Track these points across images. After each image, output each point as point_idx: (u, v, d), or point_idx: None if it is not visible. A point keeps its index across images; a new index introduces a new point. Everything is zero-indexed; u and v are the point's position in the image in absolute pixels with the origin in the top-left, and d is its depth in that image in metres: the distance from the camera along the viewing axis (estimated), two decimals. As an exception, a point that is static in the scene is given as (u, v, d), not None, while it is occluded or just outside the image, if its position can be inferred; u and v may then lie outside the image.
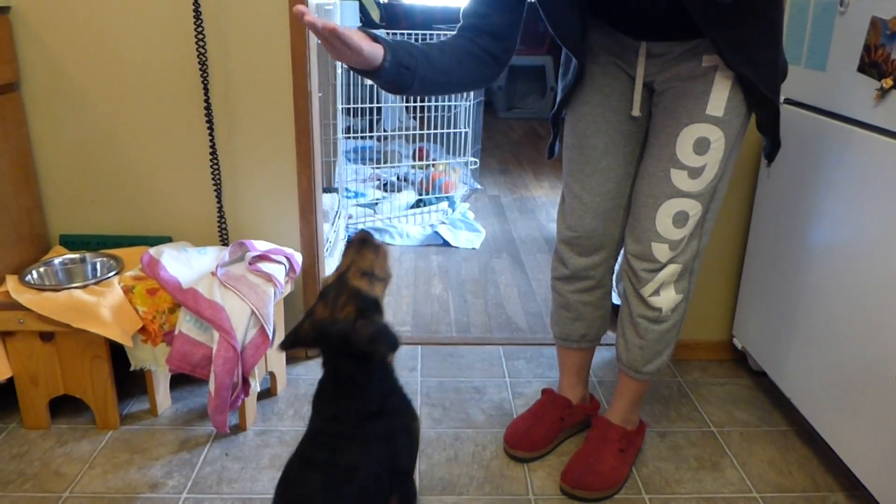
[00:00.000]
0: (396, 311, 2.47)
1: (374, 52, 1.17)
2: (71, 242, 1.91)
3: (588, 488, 1.54)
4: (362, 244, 1.23)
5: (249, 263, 1.72)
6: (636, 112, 1.46)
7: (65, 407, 1.77)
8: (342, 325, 1.14)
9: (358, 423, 1.15)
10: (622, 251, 1.59)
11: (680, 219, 1.42)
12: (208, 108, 1.81)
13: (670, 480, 1.62)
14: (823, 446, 1.69)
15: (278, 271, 1.73)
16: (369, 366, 1.17)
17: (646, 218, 1.45)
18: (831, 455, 1.66)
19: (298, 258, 1.86)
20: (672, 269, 1.47)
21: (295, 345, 1.21)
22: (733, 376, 2.08)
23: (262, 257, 1.76)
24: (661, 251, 1.45)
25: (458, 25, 1.39)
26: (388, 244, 3.13)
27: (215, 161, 1.85)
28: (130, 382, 1.86)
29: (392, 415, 1.20)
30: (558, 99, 1.55)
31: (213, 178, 1.87)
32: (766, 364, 1.90)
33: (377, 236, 1.26)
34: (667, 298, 1.50)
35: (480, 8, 1.37)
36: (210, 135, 1.83)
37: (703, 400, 1.95)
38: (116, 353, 1.70)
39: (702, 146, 1.37)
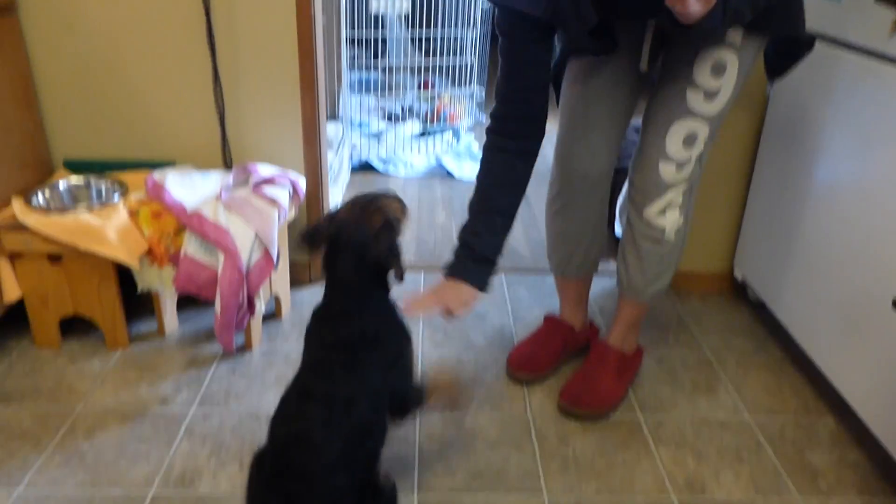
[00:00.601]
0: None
1: (476, 295, 1.42)
2: (75, 166, 1.91)
3: (585, 407, 1.58)
4: (391, 196, 1.27)
5: (254, 187, 1.73)
6: (644, 67, 1.47)
7: (75, 327, 1.81)
8: (366, 229, 1.16)
9: (356, 352, 1.14)
10: (627, 178, 1.59)
11: (689, 140, 1.43)
12: (210, 30, 1.79)
13: (665, 402, 1.67)
14: (817, 373, 1.72)
15: (282, 196, 1.74)
16: (374, 281, 1.18)
17: (656, 135, 1.46)
18: (824, 382, 1.70)
19: (302, 183, 1.86)
20: (677, 190, 1.49)
21: (314, 238, 1.20)
22: (732, 307, 2.10)
23: (267, 181, 1.76)
24: (668, 171, 1.46)
25: (490, 140, 1.45)
26: (392, 173, 3.13)
27: (218, 85, 1.84)
28: (138, 304, 1.90)
29: (387, 341, 1.19)
30: (558, 49, 1.54)
31: (215, 102, 1.86)
32: (765, 294, 1.92)
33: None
34: (671, 220, 1.51)
35: (513, 106, 1.42)
36: (212, 58, 1.81)
37: (702, 328, 1.98)
38: (124, 275, 1.72)
39: (719, 70, 1.38)
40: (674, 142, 1.44)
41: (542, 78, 1.41)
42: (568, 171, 1.59)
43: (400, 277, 1.20)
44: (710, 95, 1.40)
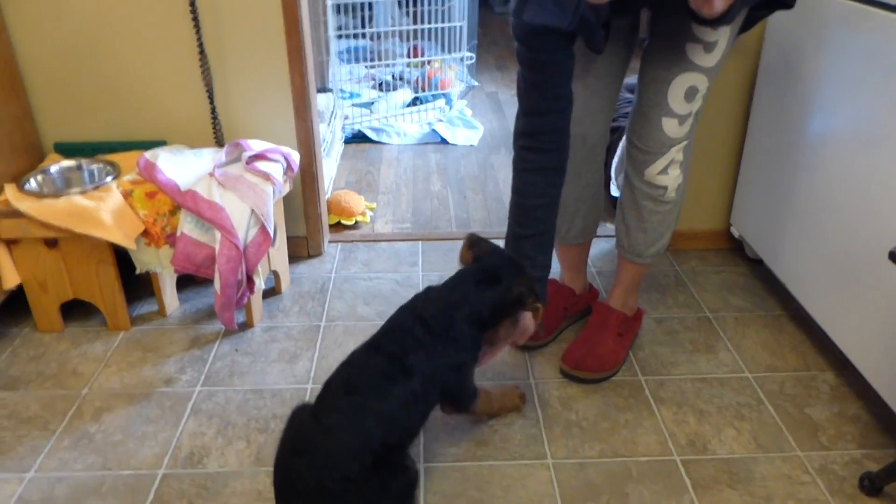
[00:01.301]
0: (396, 208, 2.48)
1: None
2: (65, 150, 1.90)
3: (587, 370, 1.60)
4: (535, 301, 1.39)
5: (247, 163, 1.71)
6: (643, 33, 1.46)
7: (76, 311, 1.82)
8: (517, 268, 1.37)
9: (435, 338, 1.27)
10: (624, 137, 1.59)
11: (690, 93, 1.43)
12: (193, 5, 1.76)
13: (666, 363, 1.68)
14: (815, 329, 1.74)
15: (276, 170, 1.73)
16: (489, 313, 1.32)
17: (657, 92, 1.45)
18: (823, 337, 1.72)
19: (296, 157, 1.85)
20: (679, 146, 1.49)
21: (477, 244, 1.41)
22: (729, 264, 2.11)
23: (259, 157, 1.75)
24: (670, 126, 1.46)
25: (525, 160, 1.43)
26: (385, 142, 3.11)
27: (204, 61, 1.82)
28: (138, 285, 1.90)
29: (458, 350, 1.30)
30: None
31: (203, 79, 1.84)
32: (763, 251, 1.92)
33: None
34: (673, 177, 1.52)
35: (547, 119, 1.39)
36: (197, 33, 1.79)
37: (700, 287, 1.99)
38: (122, 257, 1.72)
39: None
40: (676, 97, 1.44)
41: (569, 86, 1.38)
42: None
43: (535, 316, 1.38)
44: (709, 47, 1.39)
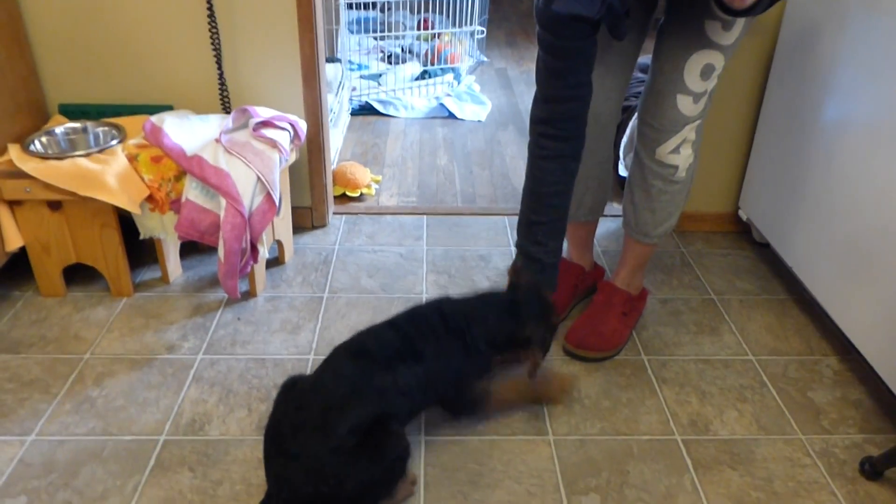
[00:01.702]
0: (402, 182, 2.46)
1: None
2: (70, 112, 1.88)
3: (590, 348, 1.59)
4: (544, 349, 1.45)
5: (253, 130, 1.70)
6: (659, 13, 1.44)
7: (79, 276, 1.81)
8: (543, 301, 1.41)
9: (450, 335, 1.29)
10: (634, 117, 1.57)
11: (707, 71, 1.42)
12: (203, -33, 1.73)
13: (669, 343, 1.68)
14: (820, 314, 1.73)
15: (283, 138, 1.71)
16: (502, 340, 1.35)
17: (673, 70, 1.43)
18: (827, 322, 1.71)
19: (303, 125, 1.83)
20: (692, 125, 1.48)
21: (522, 274, 1.46)
22: (736, 247, 2.09)
23: (266, 124, 1.73)
24: (685, 105, 1.44)
25: (542, 147, 1.41)
26: (393, 115, 3.09)
27: (214, 26, 1.79)
28: (141, 252, 1.89)
29: (470, 355, 1.32)
30: None
31: (212, 44, 1.82)
32: (770, 234, 1.91)
33: None
34: (685, 156, 1.51)
35: (567, 106, 1.38)
36: (206, -3, 1.76)
37: (705, 270, 1.98)
38: (126, 222, 1.71)
39: None
40: (692, 74, 1.42)
41: (590, 74, 1.36)
42: None
43: (543, 348, 1.40)
44: (728, 25, 1.37)
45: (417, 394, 1.26)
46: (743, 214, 2.07)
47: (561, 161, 1.41)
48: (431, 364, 1.26)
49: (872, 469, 1.31)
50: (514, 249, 2.03)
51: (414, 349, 1.25)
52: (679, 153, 1.50)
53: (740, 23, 1.38)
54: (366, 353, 1.25)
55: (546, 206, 1.44)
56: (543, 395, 1.48)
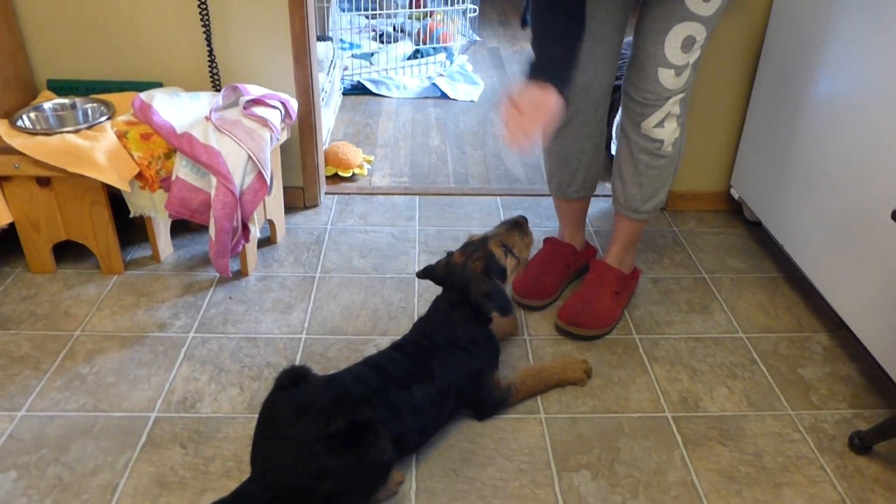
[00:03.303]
0: (394, 162, 2.45)
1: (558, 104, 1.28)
2: (59, 87, 1.86)
3: (582, 326, 1.59)
4: (515, 227, 1.48)
5: (244, 108, 1.68)
6: None
7: (69, 253, 1.80)
8: (468, 273, 1.36)
9: (441, 347, 1.33)
10: (622, 92, 1.56)
11: (688, 43, 1.41)
12: (192, -59, 1.71)
13: (661, 322, 1.68)
14: (811, 291, 1.74)
15: (274, 116, 1.70)
16: (472, 314, 1.36)
17: (654, 43, 1.43)
18: (818, 299, 1.72)
19: (294, 104, 1.82)
20: (675, 98, 1.47)
21: (428, 276, 1.44)
22: (728, 226, 2.10)
23: (257, 102, 1.72)
24: (667, 77, 1.44)
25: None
26: (385, 94, 3.06)
27: (203, 1, 1.77)
28: (132, 230, 1.88)
29: (473, 357, 1.34)
30: None
31: (202, 21, 1.80)
32: (762, 212, 1.91)
33: (524, 219, 1.52)
34: (669, 130, 1.50)
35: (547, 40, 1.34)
36: (196, -28, 1.74)
37: (697, 248, 1.98)
38: (116, 200, 1.70)
39: None
40: (672, 46, 1.41)
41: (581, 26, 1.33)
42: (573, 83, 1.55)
43: (503, 314, 1.35)
44: None
45: (432, 412, 1.29)
46: (735, 193, 2.07)
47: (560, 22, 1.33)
48: (442, 381, 1.29)
49: (861, 443, 1.32)
50: (506, 229, 2.03)
51: (425, 369, 1.29)
52: (664, 127, 1.50)
53: None
54: (385, 371, 1.27)
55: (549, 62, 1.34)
56: (567, 377, 1.48)
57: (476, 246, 1.40)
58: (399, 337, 1.39)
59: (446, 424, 1.36)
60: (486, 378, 1.37)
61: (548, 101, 1.27)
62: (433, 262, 1.47)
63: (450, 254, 1.42)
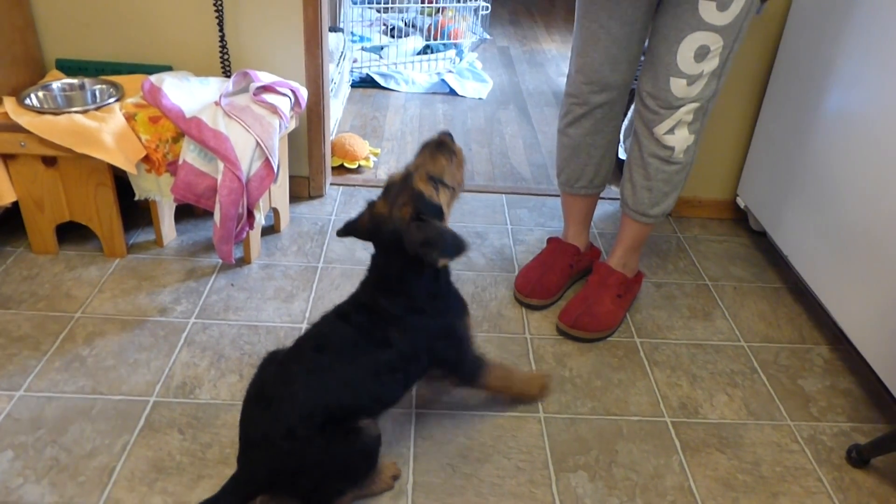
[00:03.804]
0: (400, 156, 2.45)
1: None
2: (68, 67, 1.85)
3: (584, 329, 1.59)
4: (438, 147, 1.19)
5: (254, 94, 1.67)
6: None
7: (72, 234, 1.79)
8: (396, 225, 1.13)
9: (402, 315, 1.17)
10: (635, 97, 1.55)
11: (701, 53, 1.40)
12: (208, -75, 1.70)
13: (662, 327, 1.68)
14: (814, 303, 1.74)
15: (283, 104, 1.69)
16: (419, 268, 1.15)
17: (666, 52, 1.42)
18: (820, 312, 1.71)
19: (304, 92, 1.81)
20: (689, 107, 1.46)
21: (351, 233, 1.23)
22: (733, 234, 2.10)
23: (267, 89, 1.71)
24: (678, 87, 1.43)
25: None
26: (393, 88, 3.05)
27: (216, -14, 1.76)
28: (136, 213, 1.87)
29: (436, 315, 1.20)
30: None
31: (214, 5, 1.79)
32: (767, 223, 1.91)
33: (452, 138, 1.24)
34: (680, 138, 1.49)
35: None
36: (210, -44, 1.73)
37: (701, 255, 1.98)
38: (121, 183, 1.69)
39: None
40: (684, 56, 1.40)
41: None
42: (588, 81, 1.54)
43: (453, 256, 1.14)
44: (722, 5, 1.35)
45: (390, 379, 1.18)
46: (741, 202, 2.07)
47: None
48: (403, 347, 1.16)
49: (859, 457, 1.32)
50: (511, 228, 2.03)
51: (379, 337, 1.16)
52: (674, 134, 1.49)
53: (739, 3, 1.35)
54: (326, 346, 1.16)
55: None
56: (526, 392, 1.42)
57: (399, 188, 1.15)
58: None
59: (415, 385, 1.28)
60: (457, 331, 1.25)
61: None
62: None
63: (371, 203, 1.20)
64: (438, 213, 1.16)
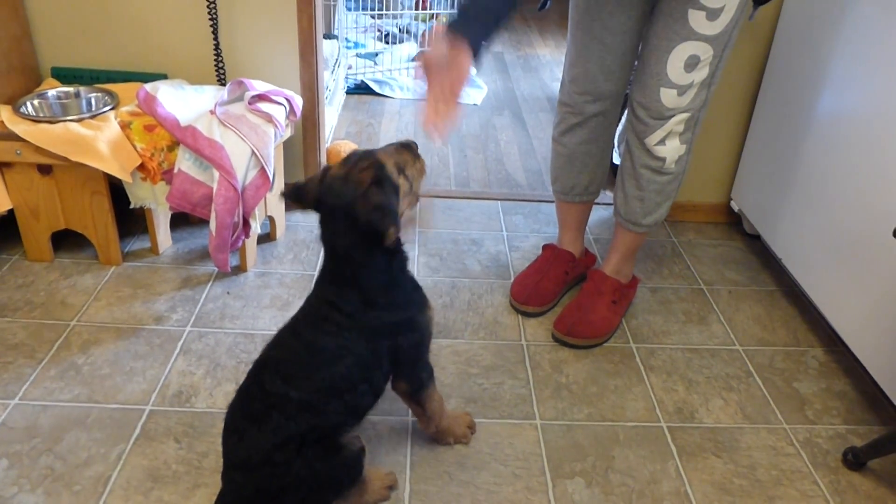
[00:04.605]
0: (395, 163, 2.45)
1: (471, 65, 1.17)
2: (63, 75, 1.85)
3: (579, 336, 1.59)
4: (404, 147, 1.15)
5: (249, 103, 1.68)
6: None
7: (67, 242, 1.79)
8: (352, 186, 1.04)
9: (354, 314, 1.10)
10: (627, 106, 1.56)
11: (691, 63, 1.40)
12: (202, -66, 1.71)
13: (658, 332, 1.68)
14: (808, 306, 1.74)
15: (278, 112, 1.70)
16: (369, 248, 1.07)
17: (657, 62, 1.42)
18: (815, 314, 1.72)
19: (299, 101, 1.81)
20: (679, 118, 1.46)
21: (298, 195, 1.11)
22: (727, 238, 2.10)
23: (262, 97, 1.71)
24: (668, 97, 1.43)
25: None
26: (388, 95, 3.06)
27: (211, -6, 1.77)
28: (131, 221, 1.87)
29: (394, 308, 1.14)
30: None
31: (209, 14, 1.79)
32: (761, 226, 1.92)
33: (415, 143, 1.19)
34: (671, 148, 1.49)
35: None
36: (205, -35, 1.73)
37: (696, 260, 1.98)
38: (117, 191, 1.69)
39: None
40: (674, 66, 1.41)
41: None
42: (582, 91, 1.55)
43: (393, 241, 1.05)
44: (713, 14, 1.35)
45: (354, 395, 1.12)
46: (735, 206, 2.08)
47: None
48: (360, 351, 1.11)
49: (855, 459, 1.32)
50: (507, 235, 2.04)
51: (332, 349, 1.10)
52: (665, 145, 1.49)
53: (728, 12, 1.35)
54: (279, 370, 1.10)
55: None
56: (451, 431, 1.33)
57: (361, 155, 1.09)
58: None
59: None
60: (420, 326, 1.19)
61: (457, 60, 1.14)
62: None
63: (326, 168, 1.10)
64: (395, 191, 1.08)
